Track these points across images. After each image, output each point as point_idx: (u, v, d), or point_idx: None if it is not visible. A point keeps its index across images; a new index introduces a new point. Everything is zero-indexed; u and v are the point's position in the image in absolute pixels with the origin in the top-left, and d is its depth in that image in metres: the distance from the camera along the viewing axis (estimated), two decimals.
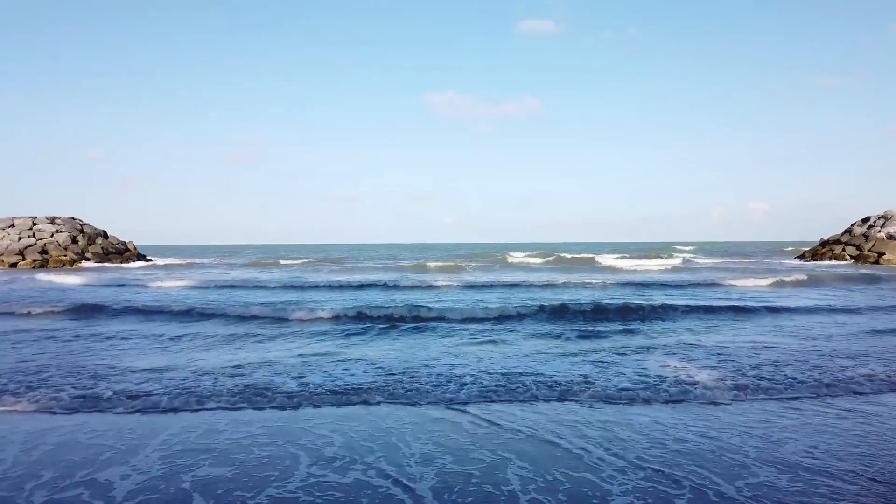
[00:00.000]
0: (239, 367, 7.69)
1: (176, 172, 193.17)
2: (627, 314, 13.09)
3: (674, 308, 13.59)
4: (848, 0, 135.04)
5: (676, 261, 40.84)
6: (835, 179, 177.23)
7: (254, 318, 12.90)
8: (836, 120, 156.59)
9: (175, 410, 5.80)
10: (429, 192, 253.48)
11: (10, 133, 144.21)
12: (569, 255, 47.47)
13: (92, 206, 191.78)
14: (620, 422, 5.34)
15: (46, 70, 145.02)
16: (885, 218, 36.63)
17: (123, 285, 22.19)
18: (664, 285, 20.82)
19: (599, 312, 13.27)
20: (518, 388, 6.43)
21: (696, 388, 6.43)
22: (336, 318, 12.69)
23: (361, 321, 12.35)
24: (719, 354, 8.46)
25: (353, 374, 7.21)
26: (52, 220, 39.05)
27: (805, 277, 22.53)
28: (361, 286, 21.18)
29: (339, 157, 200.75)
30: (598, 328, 11.18)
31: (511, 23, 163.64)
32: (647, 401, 6.03)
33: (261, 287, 21.16)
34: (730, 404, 5.96)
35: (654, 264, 36.95)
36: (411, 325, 11.61)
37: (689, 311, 13.45)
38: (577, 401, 6.00)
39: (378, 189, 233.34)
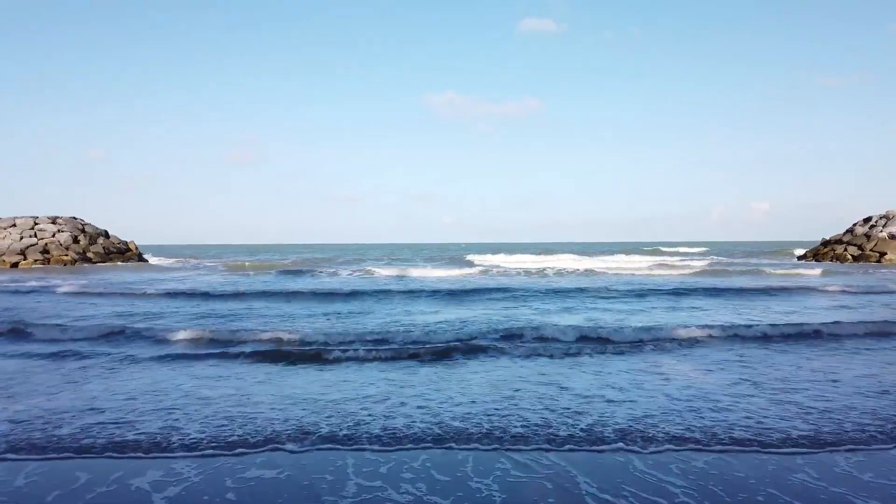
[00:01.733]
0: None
1: (176, 172, 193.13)
2: None
3: None
4: (848, 0, 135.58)
5: (703, 263, 36.66)
6: (835, 179, 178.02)
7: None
8: (836, 120, 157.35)
9: None
10: (429, 192, 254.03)
11: (10, 133, 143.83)
12: (562, 263, 41.86)
13: (92, 206, 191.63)
14: None
15: (47, 70, 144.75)
16: (887, 218, 36.78)
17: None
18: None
19: None
20: None
21: None
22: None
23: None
24: None
25: None
26: (54, 220, 38.90)
27: None
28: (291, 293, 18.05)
29: (339, 157, 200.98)
30: None
31: (511, 22, 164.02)
32: None
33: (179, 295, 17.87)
34: None
35: (691, 266, 32.76)
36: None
37: None
38: None
39: (378, 189, 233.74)
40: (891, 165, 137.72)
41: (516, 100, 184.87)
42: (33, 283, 21.85)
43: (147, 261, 44.37)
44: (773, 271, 28.32)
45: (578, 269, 31.04)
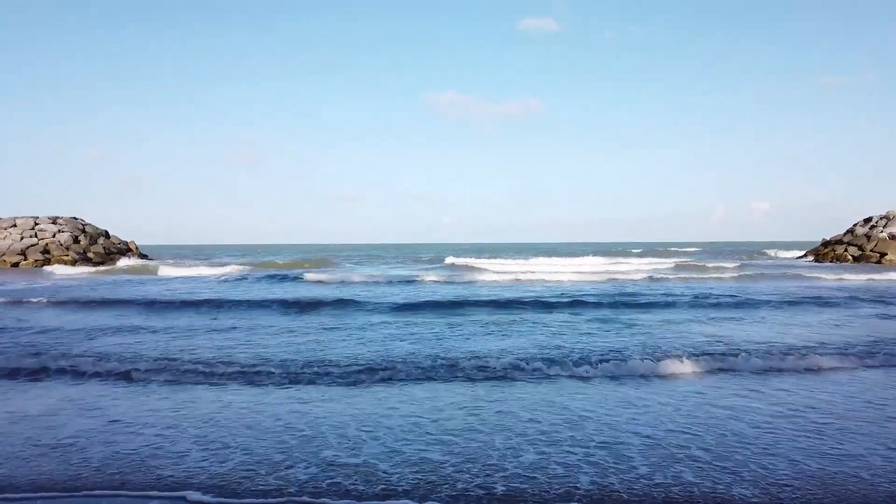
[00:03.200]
0: None
1: (176, 172, 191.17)
2: None
3: None
4: None
5: (733, 265, 32.93)
6: (835, 179, 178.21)
7: None
8: (837, 119, 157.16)
9: None
10: (429, 192, 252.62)
11: (10, 133, 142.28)
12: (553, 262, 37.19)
13: (92, 206, 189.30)
14: None
15: (47, 70, 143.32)
16: (888, 218, 37.13)
17: None
18: None
19: None
20: None
21: None
22: None
23: None
24: None
25: None
26: (54, 220, 38.61)
27: None
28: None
29: (339, 157, 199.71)
30: None
31: (511, 21, 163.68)
32: None
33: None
34: None
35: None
36: None
37: None
38: None
39: (378, 189, 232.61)
40: (891, 165, 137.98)
41: (517, 100, 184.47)
42: None
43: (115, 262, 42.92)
44: (818, 275, 25.31)
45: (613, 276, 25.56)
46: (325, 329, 11.75)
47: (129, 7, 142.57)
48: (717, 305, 15.25)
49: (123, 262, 37.71)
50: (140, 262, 38.42)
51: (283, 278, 25.45)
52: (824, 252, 39.95)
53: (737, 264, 33.96)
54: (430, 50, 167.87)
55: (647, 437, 5.29)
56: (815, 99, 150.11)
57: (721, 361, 8.34)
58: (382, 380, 7.56)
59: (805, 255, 43.24)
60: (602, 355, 8.63)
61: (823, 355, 8.68)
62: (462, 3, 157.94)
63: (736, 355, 8.58)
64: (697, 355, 8.60)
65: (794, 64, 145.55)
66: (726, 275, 27.06)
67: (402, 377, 7.66)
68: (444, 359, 8.57)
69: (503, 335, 10.86)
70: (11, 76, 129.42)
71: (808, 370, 8.10)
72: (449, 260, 42.64)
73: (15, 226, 37.17)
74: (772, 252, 56.03)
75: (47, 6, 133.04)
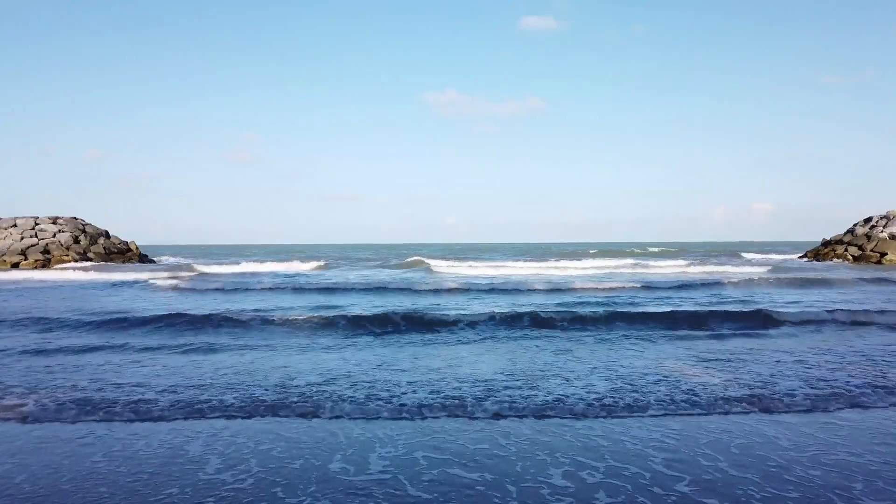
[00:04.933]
0: None
1: (176, 172, 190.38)
2: None
3: None
4: None
5: (763, 269, 29.53)
6: (836, 179, 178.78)
7: None
8: (838, 119, 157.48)
9: None
10: (430, 192, 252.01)
11: (10, 133, 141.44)
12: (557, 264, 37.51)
13: (92, 206, 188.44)
14: None
15: (47, 70, 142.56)
16: (888, 218, 37.42)
17: None
18: None
19: None
20: None
21: None
22: None
23: None
24: None
25: None
26: (55, 220, 38.37)
27: None
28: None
29: (339, 157, 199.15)
30: None
31: (512, 19, 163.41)
32: None
33: None
34: None
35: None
36: None
37: None
38: None
39: (379, 189, 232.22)
40: (891, 165, 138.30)
41: (518, 99, 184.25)
42: None
43: (155, 261, 43.65)
44: None
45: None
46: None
47: (129, 8, 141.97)
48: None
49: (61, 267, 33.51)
50: (78, 264, 34.82)
51: (185, 289, 21.41)
52: (825, 252, 40.22)
53: (768, 268, 30.52)
54: (431, 49, 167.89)
55: None
56: (817, 98, 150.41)
57: None
58: None
59: (805, 256, 43.47)
60: None
61: None
62: (462, 1, 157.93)
63: None
64: None
65: (794, 64, 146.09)
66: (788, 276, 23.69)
67: None
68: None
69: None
70: (12, 76, 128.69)
71: None
72: (413, 258, 42.07)
73: (15, 226, 36.91)
74: (745, 255, 54.11)
75: (48, 6, 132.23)
